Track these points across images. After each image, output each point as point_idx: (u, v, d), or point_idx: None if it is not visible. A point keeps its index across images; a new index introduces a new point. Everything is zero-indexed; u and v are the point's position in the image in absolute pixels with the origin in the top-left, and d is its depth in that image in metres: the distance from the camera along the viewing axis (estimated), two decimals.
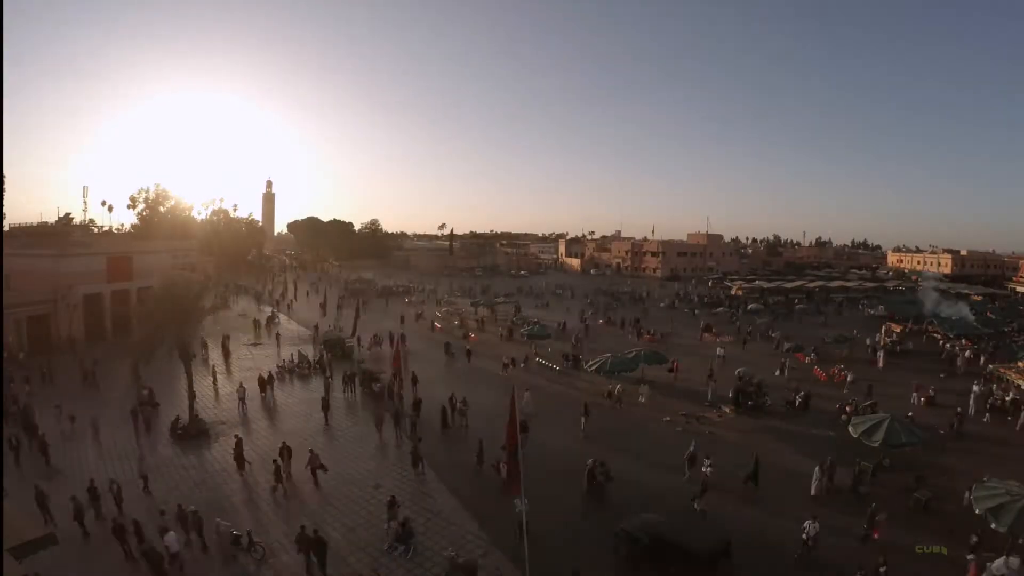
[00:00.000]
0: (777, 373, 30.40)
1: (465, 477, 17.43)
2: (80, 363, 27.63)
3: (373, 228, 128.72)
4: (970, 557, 12.46)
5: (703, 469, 16.79)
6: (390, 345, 31.06)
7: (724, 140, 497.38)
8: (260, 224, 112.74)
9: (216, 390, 26.33)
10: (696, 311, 54.63)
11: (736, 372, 28.84)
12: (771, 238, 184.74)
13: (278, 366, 29.46)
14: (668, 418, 23.27)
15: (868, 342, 38.85)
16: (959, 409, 23.26)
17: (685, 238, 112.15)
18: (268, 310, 47.72)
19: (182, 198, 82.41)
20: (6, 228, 67.56)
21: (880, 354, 34.51)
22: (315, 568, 12.41)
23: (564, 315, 48.69)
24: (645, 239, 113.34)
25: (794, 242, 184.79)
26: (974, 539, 12.98)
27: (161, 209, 79.00)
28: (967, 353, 35.06)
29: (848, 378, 28.49)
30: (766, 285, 73.12)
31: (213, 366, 29.15)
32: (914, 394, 26.08)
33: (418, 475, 17.42)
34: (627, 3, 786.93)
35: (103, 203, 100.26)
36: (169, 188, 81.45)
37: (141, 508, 14.88)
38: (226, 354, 32.19)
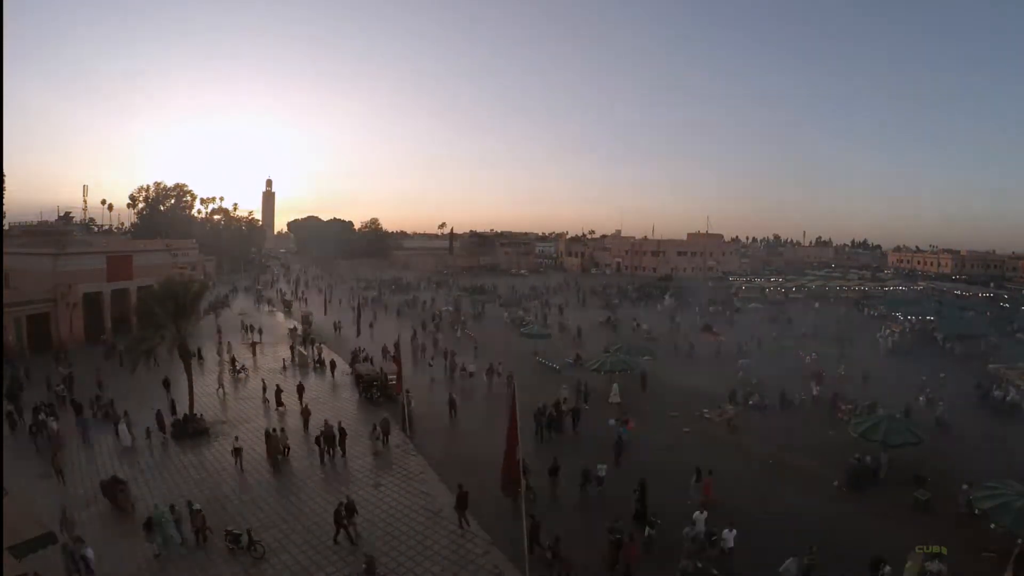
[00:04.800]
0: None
1: (465, 476, 17.39)
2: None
3: (373, 227, 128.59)
4: None
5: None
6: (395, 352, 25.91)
7: (724, 140, 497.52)
8: (260, 223, 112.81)
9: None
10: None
11: (739, 363, 29.01)
12: (771, 238, 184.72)
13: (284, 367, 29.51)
14: (675, 414, 23.30)
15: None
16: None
17: (685, 238, 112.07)
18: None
19: (193, 191, 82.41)
20: (6, 227, 67.55)
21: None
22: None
23: (568, 315, 48.68)
24: (645, 238, 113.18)
25: (794, 242, 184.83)
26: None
27: (161, 208, 79.03)
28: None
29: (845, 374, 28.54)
30: (767, 285, 73.12)
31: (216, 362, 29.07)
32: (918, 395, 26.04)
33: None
34: (628, 3, 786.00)
35: (103, 202, 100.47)
36: (183, 183, 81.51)
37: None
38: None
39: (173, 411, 21.97)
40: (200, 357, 30.76)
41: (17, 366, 27.31)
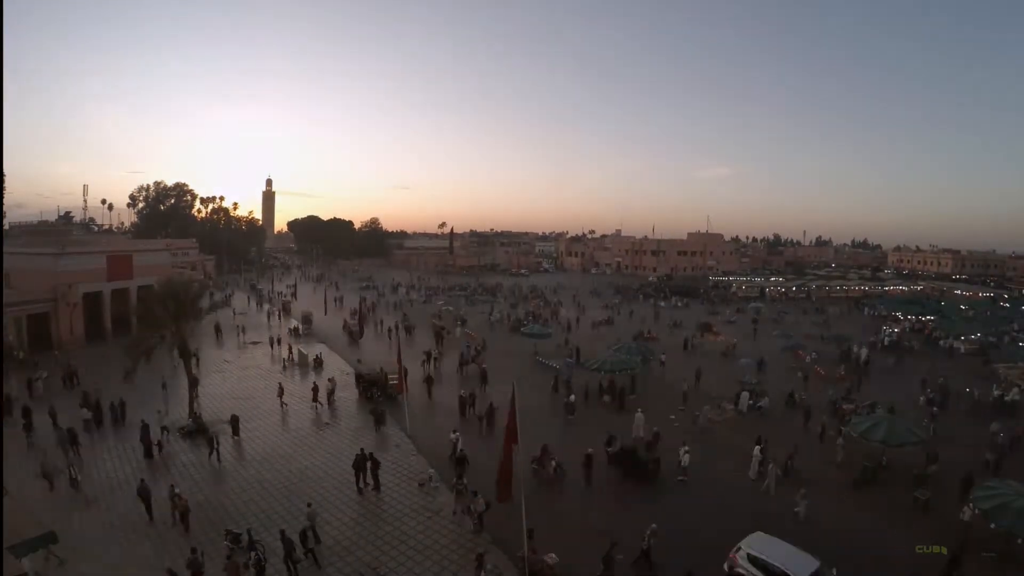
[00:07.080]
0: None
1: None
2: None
3: (373, 227, 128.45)
4: None
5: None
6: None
7: (724, 140, 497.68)
8: (260, 223, 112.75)
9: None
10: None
11: (739, 363, 29.00)
12: (771, 237, 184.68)
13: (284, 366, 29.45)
14: (673, 416, 23.29)
15: (865, 340, 38.83)
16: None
17: (685, 238, 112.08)
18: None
19: (193, 190, 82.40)
20: (6, 227, 67.64)
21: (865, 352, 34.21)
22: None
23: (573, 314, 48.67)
24: (645, 238, 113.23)
25: (794, 241, 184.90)
26: None
27: (162, 208, 79.03)
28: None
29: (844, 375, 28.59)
30: (767, 285, 73.19)
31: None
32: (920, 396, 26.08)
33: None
34: (630, 3, 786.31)
35: (103, 201, 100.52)
36: (183, 183, 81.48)
37: None
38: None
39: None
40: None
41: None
